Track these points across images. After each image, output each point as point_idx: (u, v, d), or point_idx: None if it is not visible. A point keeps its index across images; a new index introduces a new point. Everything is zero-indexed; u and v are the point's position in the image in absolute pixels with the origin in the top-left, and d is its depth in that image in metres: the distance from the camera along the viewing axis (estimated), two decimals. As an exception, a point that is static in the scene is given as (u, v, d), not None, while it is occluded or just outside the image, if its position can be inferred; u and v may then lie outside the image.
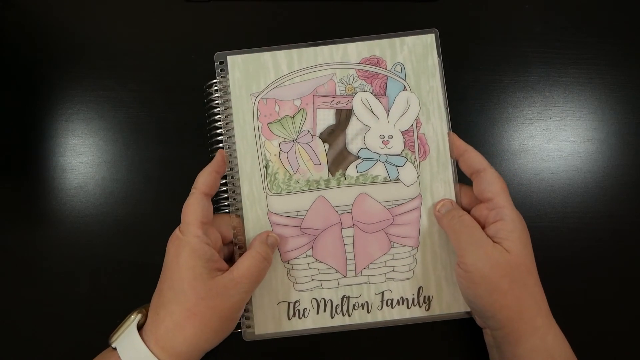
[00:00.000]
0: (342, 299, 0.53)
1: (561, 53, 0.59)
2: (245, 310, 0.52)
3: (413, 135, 0.53)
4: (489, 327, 0.49)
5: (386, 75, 0.53)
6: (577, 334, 0.48)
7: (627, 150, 0.58)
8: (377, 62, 0.53)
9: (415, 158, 0.53)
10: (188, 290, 0.46)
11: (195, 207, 0.49)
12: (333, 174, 0.53)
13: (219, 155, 0.52)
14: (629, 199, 0.58)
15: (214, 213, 0.51)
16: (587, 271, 0.56)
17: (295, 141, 0.53)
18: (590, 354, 0.48)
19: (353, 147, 0.53)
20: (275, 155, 0.53)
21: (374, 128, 0.53)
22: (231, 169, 0.53)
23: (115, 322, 0.48)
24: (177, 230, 0.49)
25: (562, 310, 0.48)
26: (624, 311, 0.56)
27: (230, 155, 0.53)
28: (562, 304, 0.49)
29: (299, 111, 0.53)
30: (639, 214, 0.57)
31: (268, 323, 0.53)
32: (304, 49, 0.54)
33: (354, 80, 0.53)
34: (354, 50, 0.53)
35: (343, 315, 0.53)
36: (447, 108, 0.53)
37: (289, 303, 0.53)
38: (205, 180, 0.50)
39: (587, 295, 0.56)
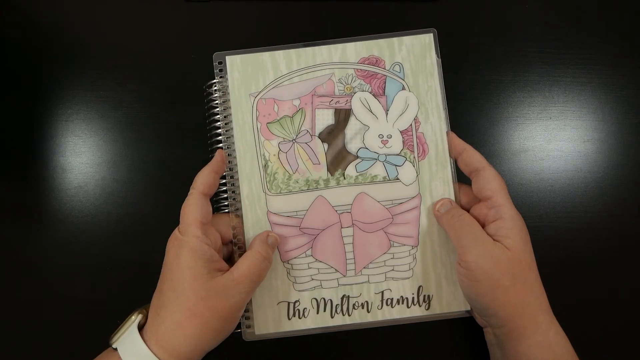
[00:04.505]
0: (342, 298, 0.53)
1: (561, 53, 0.59)
2: (245, 310, 0.52)
3: (412, 135, 0.53)
4: (491, 325, 0.49)
5: (385, 75, 0.53)
6: (577, 334, 0.48)
7: (627, 150, 0.58)
8: (376, 61, 0.53)
9: (414, 157, 0.53)
10: (188, 290, 0.46)
11: (194, 207, 0.49)
12: (332, 174, 0.53)
13: (217, 155, 0.52)
14: (629, 198, 0.57)
15: (213, 213, 0.51)
16: (587, 271, 0.56)
17: (294, 141, 0.53)
18: (590, 354, 0.48)
19: (352, 147, 0.53)
20: (274, 155, 0.53)
21: (372, 128, 0.53)
22: (230, 169, 0.53)
23: (115, 323, 0.48)
24: (176, 231, 0.49)
25: (563, 310, 0.48)
26: (624, 311, 0.56)
27: (229, 155, 0.53)
28: (562, 304, 0.48)
29: (298, 111, 0.53)
30: (639, 213, 0.57)
31: (268, 323, 0.53)
32: (302, 49, 0.54)
33: (353, 80, 0.53)
34: (353, 50, 0.54)
35: (343, 315, 0.53)
36: (445, 107, 0.53)
37: (288, 303, 0.53)
38: (204, 180, 0.50)
39: (587, 295, 0.56)
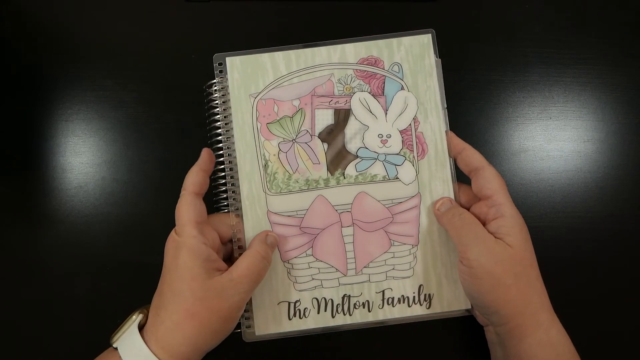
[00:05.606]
0: (343, 298, 0.53)
1: (561, 53, 0.59)
2: (245, 310, 0.51)
3: (411, 134, 0.53)
4: (492, 323, 0.49)
5: (384, 75, 0.53)
6: (577, 334, 0.48)
7: (627, 150, 0.58)
8: (375, 62, 0.53)
9: (413, 157, 0.53)
10: (186, 291, 0.46)
11: (187, 207, 0.48)
12: (332, 173, 0.53)
13: (204, 153, 0.51)
14: (629, 198, 0.58)
15: (213, 213, 0.51)
16: (587, 271, 0.56)
17: (294, 141, 0.53)
18: (591, 354, 0.48)
19: (352, 147, 0.53)
20: (274, 155, 0.53)
21: (372, 127, 0.53)
22: (231, 169, 0.53)
23: (115, 322, 0.48)
24: (173, 232, 0.48)
25: (563, 310, 0.48)
26: (624, 311, 0.56)
27: (229, 155, 0.53)
28: (562, 304, 0.48)
29: (297, 111, 0.53)
30: (639, 213, 0.57)
31: (268, 323, 0.52)
32: (301, 50, 0.54)
33: (352, 81, 0.53)
34: (352, 51, 0.54)
35: (344, 315, 0.53)
36: (444, 107, 0.53)
37: (289, 303, 0.53)
38: (193, 180, 0.50)
39: (587, 295, 0.56)
